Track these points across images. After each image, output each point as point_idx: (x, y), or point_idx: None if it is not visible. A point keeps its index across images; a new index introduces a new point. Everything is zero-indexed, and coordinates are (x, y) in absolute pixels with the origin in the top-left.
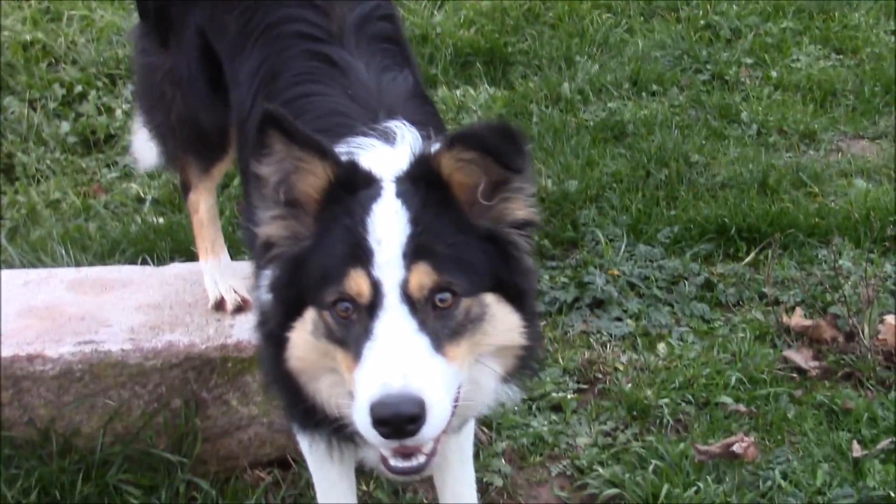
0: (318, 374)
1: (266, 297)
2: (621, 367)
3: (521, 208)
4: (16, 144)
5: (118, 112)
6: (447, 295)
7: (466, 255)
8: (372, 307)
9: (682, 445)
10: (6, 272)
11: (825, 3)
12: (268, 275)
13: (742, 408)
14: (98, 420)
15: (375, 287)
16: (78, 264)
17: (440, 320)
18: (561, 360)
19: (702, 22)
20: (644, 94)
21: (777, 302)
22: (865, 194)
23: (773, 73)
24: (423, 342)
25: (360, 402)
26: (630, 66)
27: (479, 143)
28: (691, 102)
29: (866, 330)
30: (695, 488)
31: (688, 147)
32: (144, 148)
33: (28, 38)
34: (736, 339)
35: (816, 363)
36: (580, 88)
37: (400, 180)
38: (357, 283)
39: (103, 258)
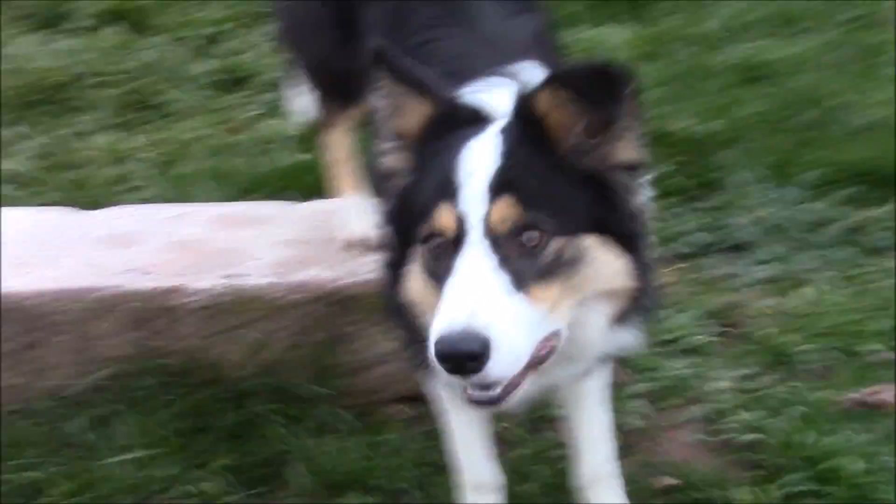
0: (428, 308)
1: (385, 230)
2: (763, 312)
3: (625, 149)
4: (162, 83)
5: (260, 50)
6: (534, 233)
7: (560, 194)
8: (457, 242)
9: (824, 392)
10: (153, 207)
11: None
12: (386, 208)
13: (890, 356)
14: (244, 352)
15: (461, 222)
16: (221, 200)
17: (526, 259)
18: (701, 303)
19: None
20: (793, 31)
21: None
22: None
23: None
24: (501, 279)
25: (430, 337)
26: (779, 2)
27: (576, 84)
28: (843, 40)
29: None
30: (836, 436)
31: (837, 86)
32: (301, 99)
33: None
34: (885, 285)
35: None
36: (726, 26)
37: (501, 119)
38: (444, 217)
39: (246, 194)
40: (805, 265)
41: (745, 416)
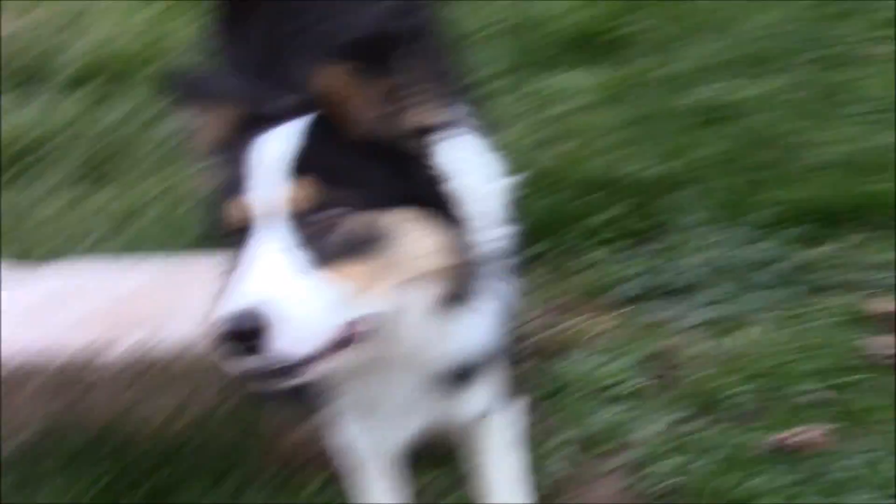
0: None
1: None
2: (696, 356)
3: (418, 114)
4: (129, 141)
5: None
6: (331, 211)
7: (359, 170)
8: (252, 230)
9: (752, 434)
10: (89, 264)
11: None
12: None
13: (821, 396)
14: (161, 415)
15: (254, 209)
16: (172, 254)
17: (324, 238)
18: (639, 348)
19: (812, 2)
20: (760, 72)
21: (867, 286)
22: None
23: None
24: (292, 258)
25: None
26: (742, 47)
27: (353, 56)
28: (807, 79)
29: None
30: (760, 478)
31: (796, 126)
32: None
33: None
34: (820, 325)
35: None
36: (694, 68)
37: (298, 107)
38: (239, 208)
39: (198, 246)
40: (748, 306)
41: (672, 461)
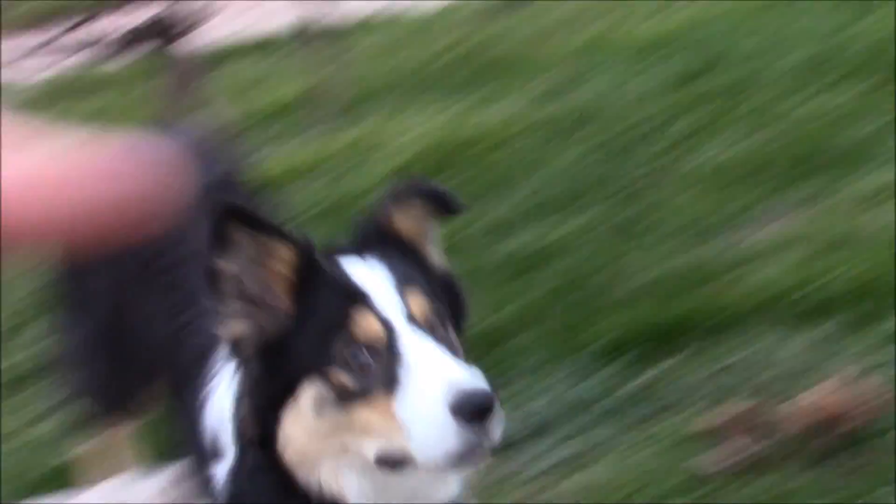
0: (321, 455)
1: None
2: (563, 494)
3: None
4: None
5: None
6: (442, 321)
7: (436, 291)
8: (389, 342)
9: None
10: None
11: (732, 87)
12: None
13: None
14: None
15: (385, 323)
16: None
17: (445, 344)
18: (504, 499)
19: (603, 138)
20: (565, 212)
21: (692, 403)
22: (776, 272)
23: (685, 168)
24: (450, 354)
25: (430, 414)
26: (549, 189)
27: (424, 196)
28: (611, 213)
29: (784, 414)
30: None
31: (608, 257)
32: None
33: None
34: (657, 449)
35: (736, 457)
36: (500, 220)
37: (360, 244)
38: (367, 323)
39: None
40: (602, 436)
41: None
